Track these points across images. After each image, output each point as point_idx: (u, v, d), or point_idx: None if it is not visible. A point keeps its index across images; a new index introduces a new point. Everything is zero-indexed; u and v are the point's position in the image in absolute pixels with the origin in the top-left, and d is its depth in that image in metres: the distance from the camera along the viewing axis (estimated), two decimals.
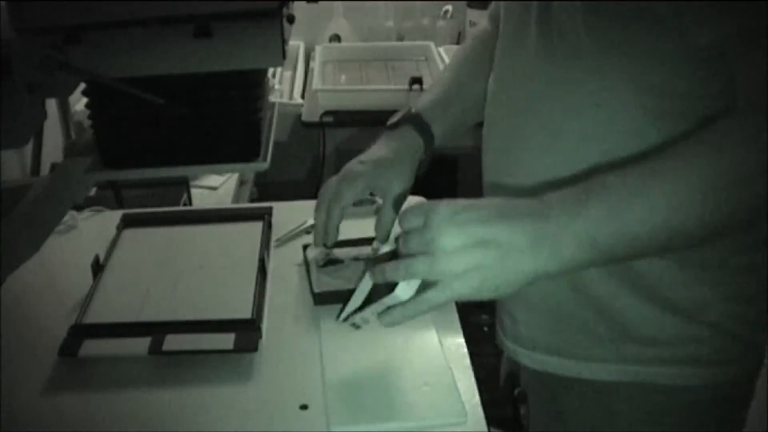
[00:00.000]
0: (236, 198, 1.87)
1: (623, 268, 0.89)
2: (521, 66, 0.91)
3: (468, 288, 0.74)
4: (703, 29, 0.75)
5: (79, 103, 1.75)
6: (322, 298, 1.06)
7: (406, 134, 1.05)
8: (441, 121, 1.07)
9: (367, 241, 1.17)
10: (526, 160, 0.92)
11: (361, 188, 1.01)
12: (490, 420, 0.87)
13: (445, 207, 0.75)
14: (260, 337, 0.98)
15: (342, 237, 1.13)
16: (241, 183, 1.96)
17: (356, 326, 0.87)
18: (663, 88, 0.81)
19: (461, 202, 0.76)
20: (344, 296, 0.92)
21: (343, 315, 0.87)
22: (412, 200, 1.31)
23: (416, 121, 1.06)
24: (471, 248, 0.72)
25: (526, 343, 0.99)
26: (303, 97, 2.24)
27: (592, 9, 0.82)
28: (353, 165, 1.03)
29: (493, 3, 1.13)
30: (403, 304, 0.77)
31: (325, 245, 1.03)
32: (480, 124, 1.05)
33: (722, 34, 0.74)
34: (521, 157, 0.92)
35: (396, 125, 1.06)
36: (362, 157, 1.05)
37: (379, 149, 1.05)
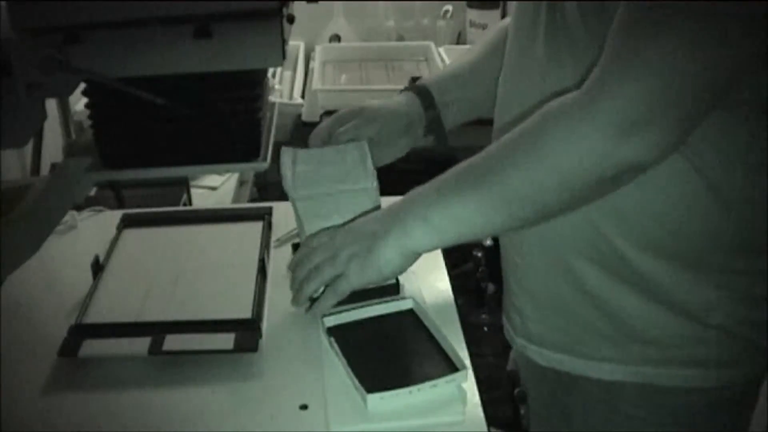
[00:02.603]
0: (236, 198, 1.87)
1: (626, 269, 0.89)
2: (530, 65, 0.92)
3: (357, 273, 0.91)
4: None
5: (79, 103, 1.75)
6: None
7: (402, 96, 1.10)
8: (446, 92, 1.10)
9: None
10: None
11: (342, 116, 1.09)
12: (490, 420, 0.87)
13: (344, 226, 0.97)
14: (260, 337, 0.98)
15: None
16: (241, 183, 1.95)
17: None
18: None
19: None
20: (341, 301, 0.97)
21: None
22: None
23: (416, 88, 1.10)
24: (356, 242, 0.92)
25: (536, 340, 1.00)
26: (303, 97, 2.24)
27: (589, 10, 0.82)
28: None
29: None
30: (318, 298, 0.96)
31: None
32: (475, 123, 1.06)
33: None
34: None
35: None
36: None
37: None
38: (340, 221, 1.00)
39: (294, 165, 1.04)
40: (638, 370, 0.93)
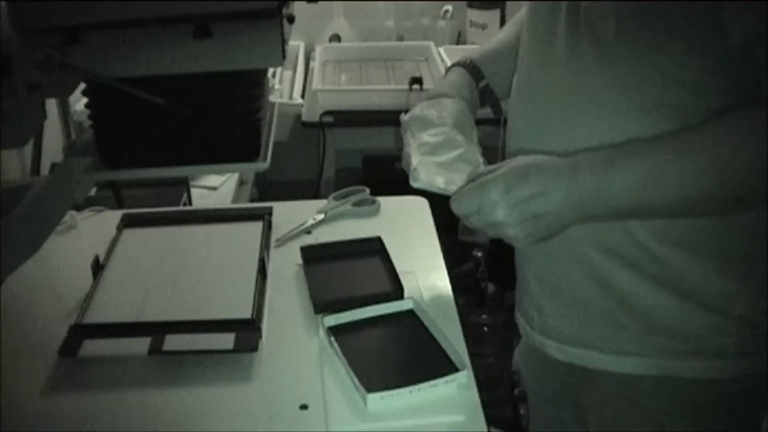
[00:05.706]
0: (236, 198, 1.87)
1: (647, 261, 0.90)
2: (549, 64, 0.91)
3: (522, 243, 0.85)
4: (735, 28, 0.76)
5: (79, 103, 1.75)
6: (321, 307, 1.05)
7: (452, 74, 1.11)
8: (491, 64, 1.10)
9: (365, 241, 1.17)
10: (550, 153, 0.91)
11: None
12: (490, 420, 0.87)
13: (494, 188, 0.83)
14: (260, 337, 0.98)
15: (342, 237, 1.13)
16: (241, 183, 1.96)
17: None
18: (696, 84, 0.81)
19: (510, 176, 0.84)
20: (343, 306, 0.99)
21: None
22: (414, 201, 1.31)
23: (463, 63, 1.11)
24: (523, 222, 0.83)
25: (554, 335, 1.00)
26: (303, 97, 2.24)
27: (626, 10, 0.82)
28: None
29: None
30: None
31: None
32: (478, 123, 1.05)
33: (754, 32, 0.75)
34: (545, 151, 0.92)
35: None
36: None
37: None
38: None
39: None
40: (659, 363, 0.93)
